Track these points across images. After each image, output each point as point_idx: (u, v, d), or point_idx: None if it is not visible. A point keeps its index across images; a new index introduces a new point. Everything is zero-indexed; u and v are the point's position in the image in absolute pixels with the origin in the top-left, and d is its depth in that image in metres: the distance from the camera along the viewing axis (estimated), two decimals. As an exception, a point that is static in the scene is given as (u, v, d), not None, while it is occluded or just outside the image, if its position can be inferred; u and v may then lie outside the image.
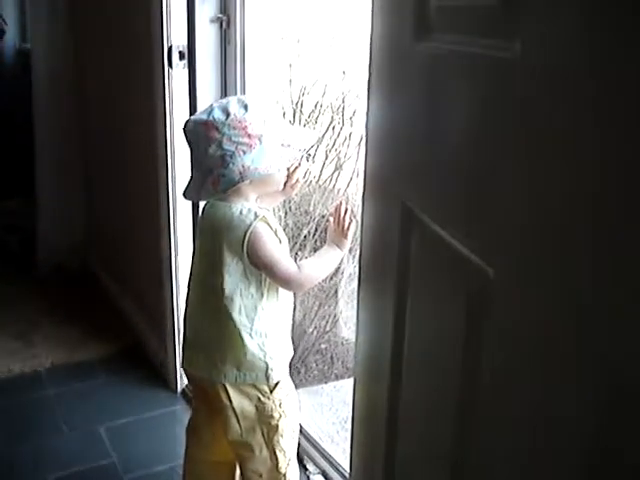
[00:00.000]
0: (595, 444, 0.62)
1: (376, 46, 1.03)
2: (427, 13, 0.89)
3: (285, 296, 1.55)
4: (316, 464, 1.92)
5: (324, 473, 1.87)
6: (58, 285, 3.24)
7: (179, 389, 2.38)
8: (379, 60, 1.02)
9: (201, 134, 1.43)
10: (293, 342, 2.91)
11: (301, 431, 2.03)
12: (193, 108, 2.08)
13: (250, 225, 1.43)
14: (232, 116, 1.41)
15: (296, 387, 2.79)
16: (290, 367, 2.96)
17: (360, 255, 1.14)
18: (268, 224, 1.46)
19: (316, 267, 1.55)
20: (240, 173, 1.41)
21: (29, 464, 2.06)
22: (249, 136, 1.41)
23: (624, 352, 0.57)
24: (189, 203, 2.21)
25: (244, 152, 1.41)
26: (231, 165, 1.41)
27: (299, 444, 2.00)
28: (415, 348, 0.98)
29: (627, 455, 0.59)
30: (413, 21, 0.91)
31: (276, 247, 1.47)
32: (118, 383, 2.46)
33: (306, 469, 1.90)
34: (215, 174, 1.42)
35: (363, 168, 1.13)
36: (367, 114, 1.06)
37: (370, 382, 1.17)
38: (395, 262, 0.97)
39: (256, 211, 1.45)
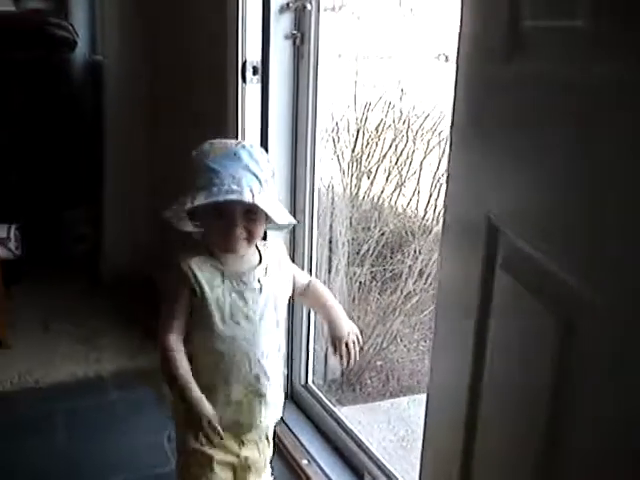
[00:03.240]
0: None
1: (463, 66, 1.03)
2: (520, 32, 0.89)
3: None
4: (374, 478, 1.91)
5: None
6: (121, 293, 3.30)
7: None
8: (467, 80, 1.03)
9: None
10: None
11: (360, 446, 2.03)
12: (265, 122, 2.12)
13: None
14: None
15: (351, 403, 2.81)
16: (346, 384, 2.97)
17: (439, 274, 1.15)
18: (189, 271, 1.46)
19: (176, 364, 1.47)
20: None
21: (93, 466, 2.10)
22: None
23: None
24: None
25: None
26: None
27: (359, 458, 2.01)
28: (496, 379, 0.97)
29: None
30: (505, 41, 0.92)
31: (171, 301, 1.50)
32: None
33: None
34: None
35: (445, 180, 1.13)
36: (452, 124, 1.07)
37: (444, 412, 1.16)
38: (477, 282, 0.97)
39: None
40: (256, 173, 1.41)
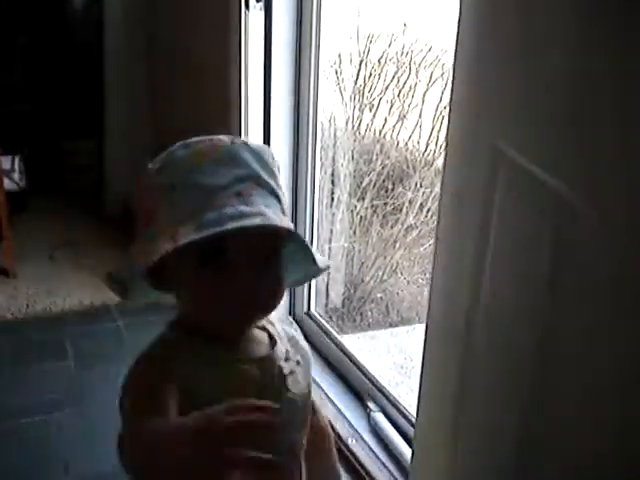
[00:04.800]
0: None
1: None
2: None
3: None
4: (376, 402, 1.98)
5: (384, 410, 1.94)
6: (125, 222, 3.33)
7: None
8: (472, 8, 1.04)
9: None
10: (349, 290, 2.96)
11: (362, 371, 2.10)
12: (268, 51, 2.11)
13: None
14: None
15: (351, 332, 2.87)
16: (346, 315, 3.02)
17: (441, 194, 1.17)
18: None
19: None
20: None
21: (98, 390, 2.16)
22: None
23: None
24: (260, 137, 2.26)
25: None
26: None
27: (361, 383, 2.07)
28: (494, 292, 1.01)
29: None
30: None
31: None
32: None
33: (367, 407, 1.97)
34: None
35: (448, 108, 1.15)
36: (456, 52, 1.08)
37: (443, 330, 1.20)
38: (480, 199, 1.00)
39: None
40: (272, 186, 0.86)
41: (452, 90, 1.12)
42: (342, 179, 2.95)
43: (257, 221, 0.80)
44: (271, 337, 0.94)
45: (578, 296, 0.81)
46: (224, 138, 0.87)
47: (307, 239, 2.38)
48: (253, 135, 2.25)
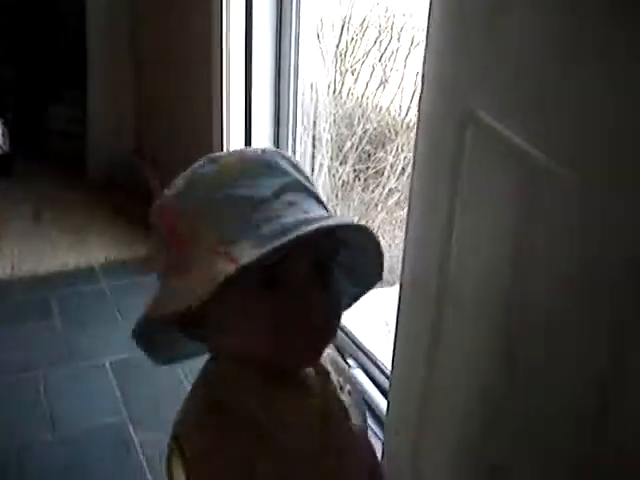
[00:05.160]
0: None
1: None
2: None
3: None
4: (356, 359, 2.04)
5: (363, 367, 2.00)
6: (109, 188, 3.37)
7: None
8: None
9: None
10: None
11: (342, 329, 2.15)
12: (249, 15, 2.13)
13: None
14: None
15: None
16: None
17: (414, 156, 1.22)
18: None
19: None
20: None
21: (85, 349, 2.22)
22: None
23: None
24: (241, 99, 2.28)
25: None
26: None
27: (341, 341, 2.13)
28: (463, 248, 1.06)
29: None
30: None
31: None
32: (168, 280, 2.60)
33: (347, 363, 2.03)
34: None
35: (421, 72, 1.19)
36: (429, 16, 1.12)
37: (416, 288, 1.25)
38: (449, 158, 1.04)
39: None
40: (315, 192, 0.78)
41: (425, 53, 1.16)
42: (324, 144, 2.98)
43: (330, 222, 0.70)
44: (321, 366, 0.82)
45: (544, 248, 0.86)
46: (251, 149, 0.86)
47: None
48: (234, 97, 2.28)
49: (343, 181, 3.12)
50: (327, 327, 0.76)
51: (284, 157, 0.78)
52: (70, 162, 3.62)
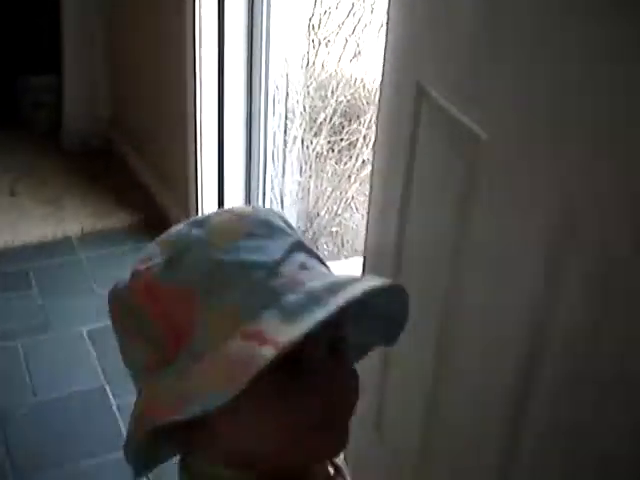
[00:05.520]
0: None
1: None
2: None
3: None
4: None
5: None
6: (84, 159, 3.40)
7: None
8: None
9: None
10: (305, 224, 3.04)
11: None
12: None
13: None
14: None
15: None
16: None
17: (376, 129, 1.28)
18: None
19: None
20: None
21: (63, 318, 2.27)
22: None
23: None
24: (214, 70, 2.32)
25: None
26: None
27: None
28: (417, 220, 1.13)
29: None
30: None
31: None
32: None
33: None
34: None
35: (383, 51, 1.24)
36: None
37: (378, 253, 1.32)
38: (405, 133, 1.11)
39: None
40: (312, 249, 0.69)
41: (387, 30, 1.22)
42: (298, 116, 3.02)
43: (376, 283, 0.61)
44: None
45: (486, 218, 0.93)
46: (239, 207, 0.74)
47: (261, 189, 2.49)
48: (207, 67, 2.31)
49: (317, 153, 3.18)
50: (353, 409, 0.66)
51: (277, 215, 0.69)
52: (45, 133, 3.64)
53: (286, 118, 2.77)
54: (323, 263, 0.69)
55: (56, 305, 2.32)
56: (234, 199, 2.53)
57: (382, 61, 1.25)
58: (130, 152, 3.35)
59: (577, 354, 0.77)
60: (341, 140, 3.23)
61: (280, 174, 2.68)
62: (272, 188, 2.60)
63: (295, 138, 2.86)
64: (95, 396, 1.95)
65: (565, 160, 0.75)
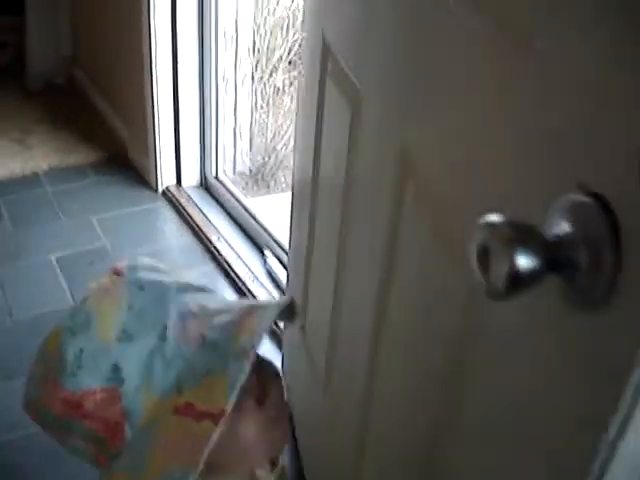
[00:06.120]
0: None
1: None
2: None
3: None
4: (272, 251, 2.34)
5: (278, 258, 2.30)
6: (48, 97, 3.54)
7: (160, 190, 2.77)
8: None
9: None
10: (263, 157, 3.20)
11: (262, 227, 2.44)
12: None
13: None
14: None
15: (267, 194, 3.19)
16: (261, 179, 3.30)
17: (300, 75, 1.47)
18: None
19: None
20: None
21: (33, 247, 2.46)
22: None
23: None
24: (167, 7, 2.47)
25: None
26: None
27: (260, 235, 2.42)
28: (323, 162, 1.33)
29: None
30: None
31: None
32: (108, 183, 2.85)
33: (264, 254, 2.33)
34: None
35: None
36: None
37: (300, 195, 1.51)
38: (317, 80, 1.30)
39: None
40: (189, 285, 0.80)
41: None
42: (255, 53, 3.15)
43: (263, 327, 0.72)
44: None
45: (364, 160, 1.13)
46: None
47: (214, 125, 2.66)
48: (160, 3, 2.44)
49: (277, 88, 3.33)
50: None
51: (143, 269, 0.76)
52: (8, 72, 3.76)
53: (235, 55, 2.88)
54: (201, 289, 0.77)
55: (26, 235, 2.51)
56: (189, 132, 2.70)
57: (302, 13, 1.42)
58: (92, 89, 3.49)
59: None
60: (297, 75, 3.37)
61: (232, 110, 2.84)
62: (224, 122, 2.76)
63: (245, 76, 2.99)
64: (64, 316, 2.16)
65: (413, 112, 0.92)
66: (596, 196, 0.45)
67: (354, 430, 1.14)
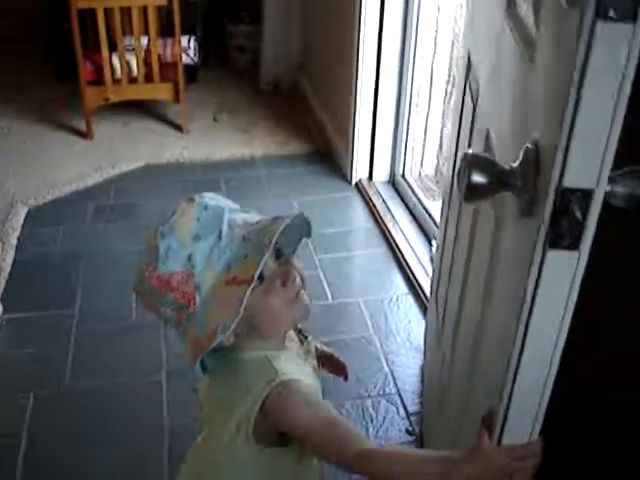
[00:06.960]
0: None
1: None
2: None
3: None
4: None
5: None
6: (275, 97, 4.08)
7: (353, 182, 3.15)
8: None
9: None
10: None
11: (434, 220, 2.70)
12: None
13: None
14: None
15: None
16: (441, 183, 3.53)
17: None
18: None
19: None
20: None
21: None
22: None
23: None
24: (374, 40, 2.84)
25: None
26: None
27: (431, 229, 2.68)
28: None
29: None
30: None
31: None
32: (311, 173, 3.29)
33: (430, 243, 2.61)
34: None
35: None
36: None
37: None
38: (460, 95, 1.59)
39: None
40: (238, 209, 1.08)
41: None
42: (451, 64, 3.37)
43: (284, 222, 0.98)
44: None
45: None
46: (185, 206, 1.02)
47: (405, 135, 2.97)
48: (369, 19, 2.80)
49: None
50: (305, 287, 1.07)
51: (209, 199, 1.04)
52: (244, 73, 4.35)
53: (432, 69, 3.13)
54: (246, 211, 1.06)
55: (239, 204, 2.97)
56: (384, 134, 3.04)
57: None
58: (310, 94, 3.96)
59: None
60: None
61: (425, 116, 3.11)
62: (416, 127, 3.06)
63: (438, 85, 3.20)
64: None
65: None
66: (535, 144, 0.72)
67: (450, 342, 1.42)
